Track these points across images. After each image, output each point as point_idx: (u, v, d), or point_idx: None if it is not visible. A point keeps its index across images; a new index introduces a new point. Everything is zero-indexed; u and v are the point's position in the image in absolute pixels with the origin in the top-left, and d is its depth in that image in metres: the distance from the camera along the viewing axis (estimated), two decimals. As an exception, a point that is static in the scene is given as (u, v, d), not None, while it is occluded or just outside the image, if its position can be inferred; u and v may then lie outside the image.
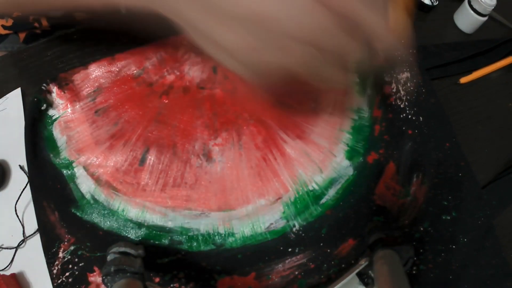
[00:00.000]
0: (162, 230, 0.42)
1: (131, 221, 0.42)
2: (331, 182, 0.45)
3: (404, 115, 0.49)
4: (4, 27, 0.58)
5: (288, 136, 0.46)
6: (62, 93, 0.47)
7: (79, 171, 0.44)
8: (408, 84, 0.50)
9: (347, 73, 0.30)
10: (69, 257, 0.40)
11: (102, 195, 0.43)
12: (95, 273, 0.40)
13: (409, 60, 0.52)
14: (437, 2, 0.57)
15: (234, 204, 0.43)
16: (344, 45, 0.26)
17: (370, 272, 0.39)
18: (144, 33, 0.48)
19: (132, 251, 0.37)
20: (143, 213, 0.42)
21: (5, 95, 0.48)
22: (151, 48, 0.50)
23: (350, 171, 0.45)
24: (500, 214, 0.46)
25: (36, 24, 0.59)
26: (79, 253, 0.40)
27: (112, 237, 0.41)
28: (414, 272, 0.42)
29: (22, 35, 0.59)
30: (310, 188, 0.44)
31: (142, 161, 0.44)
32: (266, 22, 0.24)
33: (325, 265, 0.41)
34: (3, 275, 0.39)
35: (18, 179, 0.44)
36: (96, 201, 0.42)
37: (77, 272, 0.40)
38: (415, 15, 0.58)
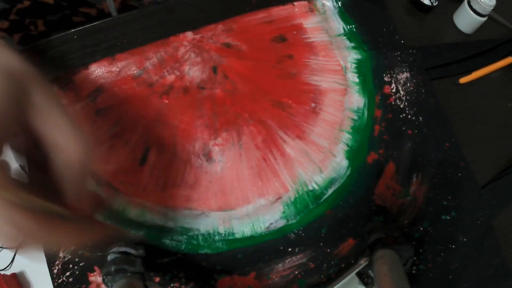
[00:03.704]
0: (163, 230, 0.42)
1: (131, 221, 0.42)
2: (331, 182, 0.45)
3: (403, 115, 0.49)
4: (0, 29, 0.58)
5: (288, 136, 0.46)
6: (63, 93, 0.47)
7: (79, 171, 0.44)
8: (408, 84, 0.51)
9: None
10: (69, 256, 0.40)
11: (102, 195, 0.43)
12: (95, 273, 0.40)
13: (409, 60, 0.52)
14: (437, 3, 0.57)
15: (234, 204, 0.43)
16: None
17: (370, 271, 0.39)
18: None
19: (132, 251, 0.38)
20: (143, 213, 0.42)
21: (6, 95, 0.48)
22: (151, 48, 0.50)
23: (350, 171, 0.45)
24: (500, 214, 0.46)
25: (32, 27, 0.59)
26: (80, 252, 0.40)
27: (113, 237, 0.41)
28: (413, 271, 0.42)
29: (16, 37, 0.59)
30: (310, 188, 0.44)
31: (143, 161, 0.44)
32: None
33: (325, 265, 0.41)
34: (4, 275, 0.39)
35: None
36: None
37: (77, 272, 0.40)
38: (415, 16, 0.58)
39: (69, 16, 0.62)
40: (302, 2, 0.54)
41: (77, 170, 0.28)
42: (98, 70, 0.48)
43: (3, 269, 0.40)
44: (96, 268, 0.40)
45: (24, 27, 0.59)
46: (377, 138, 0.47)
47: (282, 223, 0.43)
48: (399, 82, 0.51)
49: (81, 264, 0.40)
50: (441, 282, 0.42)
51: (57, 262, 0.40)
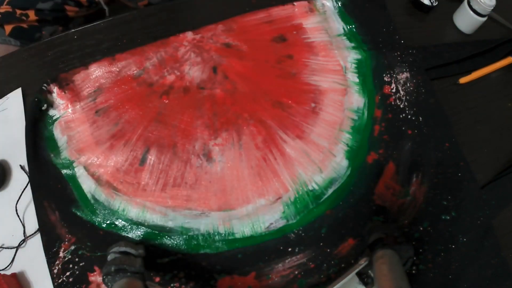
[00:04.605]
0: (163, 230, 0.42)
1: (131, 221, 0.42)
2: (330, 182, 0.45)
3: (403, 115, 0.49)
4: None
5: (288, 136, 0.46)
6: (63, 93, 0.47)
7: (79, 171, 0.44)
8: (408, 84, 0.51)
9: None
10: (69, 256, 0.40)
11: (102, 195, 0.43)
12: (95, 273, 0.40)
13: (409, 60, 0.52)
14: (437, 3, 0.57)
15: (234, 204, 0.43)
16: None
17: (369, 271, 0.39)
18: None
19: (132, 251, 0.38)
20: (143, 213, 0.42)
21: (6, 95, 0.48)
22: (151, 48, 0.50)
23: (350, 171, 0.45)
24: (499, 213, 0.46)
25: (24, 18, 0.59)
26: (80, 252, 0.40)
27: (113, 237, 0.41)
28: (413, 271, 0.42)
29: (8, 28, 0.59)
30: (310, 188, 0.44)
31: (143, 161, 0.44)
32: None
33: (325, 265, 0.41)
34: (4, 275, 0.39)
35: (19, 179, 0.44)
36: (96, 201, 0.43)
37: (77, 272, 0.40)
38: (415, 16, 0.58)
39: (61, 4, 0.61)
40: (302, 2, 0.54)
41: None
42: (98, 70, 0.48)
43: (3, 269, 0.40)
44: (96, 268, 0.40)
45: (15, 19, 0.58)
46: (377, 138, 0.47)
47: (282, 223, 0.43)
48: (399, 82, 0.51)
49: (81, 264, 0.40)
50: (441, 282, 0.42)
51: (57, 262, 0.40)
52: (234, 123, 0.46)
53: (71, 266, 0.40)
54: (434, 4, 0.57)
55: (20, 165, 0.44)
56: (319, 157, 0.46)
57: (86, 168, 0.44)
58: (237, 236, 0.42)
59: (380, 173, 0.46)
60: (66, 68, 0.48)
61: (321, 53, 0.51)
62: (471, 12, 0.55)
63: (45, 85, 0.47)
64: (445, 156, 0.47)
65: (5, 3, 0.58)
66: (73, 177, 0.43)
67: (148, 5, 0.66)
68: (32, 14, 0.59)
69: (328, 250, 0.42)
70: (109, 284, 0.36)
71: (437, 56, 0.54)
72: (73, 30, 0.51)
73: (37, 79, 0.48)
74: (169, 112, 0.47)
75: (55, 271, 0.40)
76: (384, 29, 0.54)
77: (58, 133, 0.45)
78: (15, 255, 0.41)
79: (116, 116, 0.46)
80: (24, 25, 0.60)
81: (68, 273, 0.40)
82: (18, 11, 0.58)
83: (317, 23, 0.54)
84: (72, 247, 0.40)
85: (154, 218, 0.42)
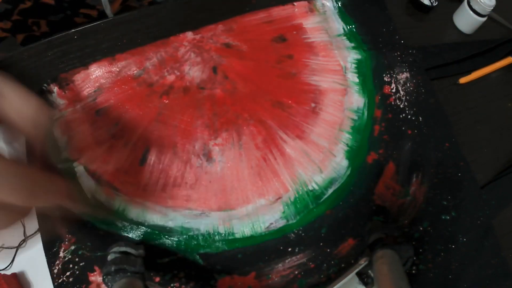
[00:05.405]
0: (163, 230, 0.42)
1: (131, 220, 0.42)
2: (330, 182, 0.45)
3: (403, 115, 0.49)
4: (2, 29, 0.58)
5: (288, 136, 0.46)
6: (63, 93, 0.47)
7: (79, 171, 0.44)
8: (408, 84, 0.51)
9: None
10: (69, 256, 0.40)
11: (102, 195, 0.43)
12: (95, 273, 0.40)
13: (409, 60, 0.52)
14: (437, 3, 0.57)
15: (234, 204, 0.43)
16: None
17: (369, 271, 0.39)
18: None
19: (132, 251, 0.38)
20: (143, 212, 0.42)
21: (6, 95, 0.48)
22: (151, 48, 0.50)
23: (350, 171, 0.45)
24: (499, 213, 0.46)
25: (35, 28, 0.59)
26: (80, 252, 0.40)
27: (113, 237, 0.41)
28: (413, 271, 0.42)
29: (20, 37, 0.59)
30: (310, 188, 0.44)
31: (143, 161, 0.44)
32: None
33: (324, 265, 0.42)
34: (4, 275, 0.39)
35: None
36: (97, 201, 0.43)
37: (77, 272, 0.40)
38: (415, 16, 0.58)
39: (70, 16, 0.62)
40: (302, 2, 0.54)
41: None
42: (98, 70, 0.48)
43: (3, 269, 0.40)
44: (96, 268, 0.40)
45: (27, 28, 0.59)
46: (377, 138, 0.47)
47: (282, 223, 0.43)
48: (399, 82, 0.51)
49: (81, 264, 0.40)
50: (441, 282, 0.42)
51: (57, 262, 0.40)
52: (234, 123, 0.46)
53: (71, 266, 0.40)
54: (434, 4, 0.57)
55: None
56: (319, 157, 0.46)
57: (86, 168, 0.44)
58: (237, 236, 0.42)
59: (380, 173, 0.46)
60: (66, 68, 0.48)
61: (321, 53, 0.52)
62: (471, 12, 0.55)
63: (45, 85, 0.47)
64: (445, 156, 0.47)
65: (16, 13, 0.58)
66: (73, 177, 0.43)
67: (153, 3, 0.66)
68: (43, 25, 0.59)
69: (328, 250, 0.42)
70: (109, 284, 0.36)
71: (437, 56, 0.54)
72: (73, 30, 0.51)
73: (37, 79, 0.47)
74: (169, 112, 0.47)
75: (55, 271, 0.40)
76: (384, 29, 0.54)
77: (58, 133, 0.45)
78: (15, 255, 0.41)
79: (116, 116, 0.46)
80: (36, 33, 0.60)
81: (68, 273, 0.40)
82: (30, 20, 0.58)
83: (317, 23, 0.54)
84: (72, 247, 0.40)
85: (154, 218, 0.42)
